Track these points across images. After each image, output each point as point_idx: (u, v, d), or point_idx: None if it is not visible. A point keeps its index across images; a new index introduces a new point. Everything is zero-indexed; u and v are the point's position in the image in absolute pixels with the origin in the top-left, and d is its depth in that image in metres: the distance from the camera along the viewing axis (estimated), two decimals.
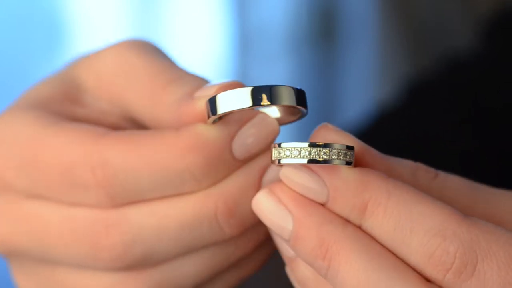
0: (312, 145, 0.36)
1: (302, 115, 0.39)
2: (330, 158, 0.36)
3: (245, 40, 1.77)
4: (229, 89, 0.38)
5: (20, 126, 0.40)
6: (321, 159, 0.36)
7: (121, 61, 0.42)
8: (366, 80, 1.73)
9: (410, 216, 0.35)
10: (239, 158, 0.39)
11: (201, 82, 0.40)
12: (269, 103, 0.37)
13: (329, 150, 0.36)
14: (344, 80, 1.76)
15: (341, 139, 0.37)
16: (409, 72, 1.51)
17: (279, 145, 0.36)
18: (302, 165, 0.36)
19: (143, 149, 0.38)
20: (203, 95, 0.39)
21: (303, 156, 0.36)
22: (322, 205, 0.36)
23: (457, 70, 0.72)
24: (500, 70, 0.69)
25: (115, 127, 0.41)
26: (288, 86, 0.37)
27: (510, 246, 0.35)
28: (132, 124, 0.42)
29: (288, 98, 0.37)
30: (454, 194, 0.39)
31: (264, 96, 0.37)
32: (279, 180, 0.37)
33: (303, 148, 0.36)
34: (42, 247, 0.40)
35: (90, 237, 0.39)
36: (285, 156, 0.36)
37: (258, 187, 0.39)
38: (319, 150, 0.36)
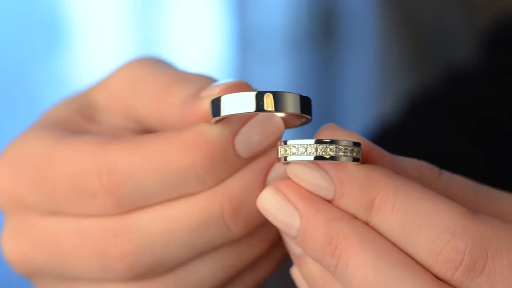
0: (319, 141, 0.36)
1: (306, 122, 0.39)
2: (337, 155, 0.35)
3: (245, 40, 1.77)
4: (234, 90, 0.38)
5: (32, 145, 0.41)
6: (327, 156, 0.35)
7: (130, 76, 0.42)
8: (366, 80, 1.73)
9: (418, 213, 0.35)
10: (242, 156, 0.39)
11: (208, 81, 0.40)
12: (273, 109, 0.36)
13: (335, 147, 0.35)
14: (344, 80, 1.76)
15: (347, 137, 0.37)
16: (408, 72, 1.51)
17: (285, 142, 0.36)
18: (309, 161, 0.36)
19: (147, 151, 0.38)
20: (208, 94, 0.39)
21: (310, 153, 0.36)
22: (330, 202, 0.36)
23: (459, 84, 0.71)
24: (502, 82, 0.69)
25: None
26: (293, 93, 0.37)
27: None
28: None
29: (292, 105, 0.37)
30: (458, 193, 0.39)
31: (268, 102, 0.36)
32: (284, 178, 0.37)
33: (310, 145, 0.36)
34: (58, 263, 0.41)
35: (100, 248, 0.39)
36: (291, 153, 0.36)
37: (263, 185, 0.39)
38: (326, 147, 0.35)
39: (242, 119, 0.39)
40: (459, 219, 0.35)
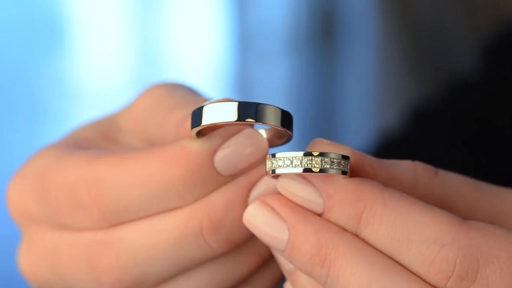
0: (307, 154, 0.35)
1: (287, 140, 0.39)
2: (324, 167, 0.35)
3: (245, 40, 1.77)
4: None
5: (39, 160, 0.42)
6: (315, 169, 0.35)
7: (149, 100, 0.42)
8: (366, 80, 1.73)
9: (407, 225, 0.35)
10: (222, 173, 0.39)
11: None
12: (253, 120, 0.36)
13: (321, 159, 0.35)
14: (344, 81, 1.76)
15: (336, 150, 0.37)
16: (408, 72, 1.51)
17: (274, 155, 0.36)
18: (298, 174, 0.36)
19: (131, 165, 0.39)
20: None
21: (295, 165, 0.35)
22: (319, 215, 0.36)
23: (461, 93, 0.71)
24: (503, 87, 0.69)
25: None
26: (275, 106, 0.36)
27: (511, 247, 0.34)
28: None
29: (273, 119, 0.36)
30: (456, 192, 0.38)
31: (249, 113, 0.36)
32: (270, 193, 0.37)
33: (298, 157, 0.35)
34: (58, 275, 0.41)
35: (90, 260, 0.40)
36: (277, 166, 0.36)
37: (244, 203, 0.39)
38: (311, 159, 0.35)
39: (223, 136, 0.39)
40: (448, 228, 0.34)
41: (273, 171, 0.36)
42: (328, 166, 0.35)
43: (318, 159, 0.35)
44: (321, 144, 0.37)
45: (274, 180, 0.38)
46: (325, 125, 1.77)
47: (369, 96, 1.73)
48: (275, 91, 1.76)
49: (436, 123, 0.71)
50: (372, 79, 1.73)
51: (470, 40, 1.40)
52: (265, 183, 0.39)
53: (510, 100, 0.68)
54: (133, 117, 0.43)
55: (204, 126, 0.37)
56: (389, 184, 0.37)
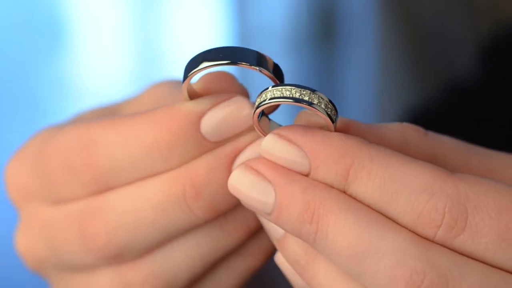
0: (298, 86, 0.35)
1: (275, 108, 0.38)
2: (312, 101, 0.35)
3: (245, 40, 1.77)
4: (216, 79, 0.38)
5: (37, 138, 0.43)
6: (304, 97, 0.35)
7: (155, 95, 0.43)
8: (366, 80, 1.73)
9: (395, 177, 0.35)
10: (208, 138, 0.39)
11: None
12: (228, 61, 0.36)
13: (311, 92, 0.35)
14: (344, 80, 1.76)
15: (322, 119, 0.37)
16: (408, 72, 1.51)
17: (265, 89, 0.36)
18: (281, 136, 0.36)
19: (121, 126, 0.39)
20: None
21: (285, 95, 0.35)
22: (306, 176, 0.36)
23: (461, 93, 0.71)
24: (504, 89, 0.69)
25: None
26: (253, 50, 0.36)
27: (499, 194, 0.34)
28: None
29: (266, 66, 0.36)
30: (447, 152, 0.38)
31: (245, 58, 0.36)
32: (254, 157, 0.37)
33: (285, 88, 0.35)
34: (53, 250, 0.42)
35: (79, 228, 0.40)
36: (267, 98, 0.36)
37: (229, 170, 0.39)
38: (301, 91, 0.35)
39: (213, 100, 0.39)
40: (436, 179, 0.34)
41: (262, 102, 0.36)
42: (316, 102, 0.35)
43: (308, 91, 0.35)
44: (307, 113, 0.37)
45: (259, 146, 0.37)
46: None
47: (369, 96, 1.73)
48: None
49: (436, 123, 0.71)
50: (372, 79, 1.73)
51: (470, 40, 1.40)
52: (252, 149, 0.39)
53: (510, 100, 0.68)
54: (138, 109, 0.43)
55: (200, 70, 0.37)
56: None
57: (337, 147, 0.35)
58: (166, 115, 0.38)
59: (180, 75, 0.37)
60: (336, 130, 0.36)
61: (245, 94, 0.40)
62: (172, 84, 0.43)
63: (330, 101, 0.36)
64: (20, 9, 1.66)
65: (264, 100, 0.36)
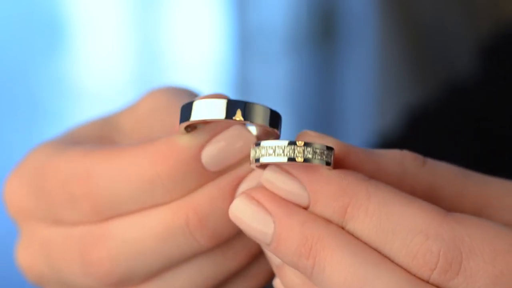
0: (290, 143, 0.35)
1: (276, 139, 0.38)
2: (307, 157, 0.35)
3: (245, 40, 1.77)
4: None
5: (35, 156, 0.42)
6: (298, 159, 0.35)
7: (152, 104, 0.43)
8: (366, 80, 1.73)
9: (392, 217, 0.35)
10: (209, 169, 0.39)
11: None
12: (242, 118, 0.36)
13: (304, 149, 0.35)
14: (344, 81, 1.76)
15: (322, 141, 0.37)
16: (408, 72, 1.51)
17: (257, 144, 0.36)
18: (282, 168, 0.36)
19: (120, 159, 0.39)
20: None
21: (278, 154, 0.35)
22: (305, 209, 0.36)
23: (461, 93, 0.71)
24: (504, 89, 0.69)
25: None
26: (264, 106, 0.37)
27: (495, 238, 0.34)
28: None
29: (261, 118, 0.36)
30: (444, 181, 0.38)
31: (238, 111, 0.36)
32: (255, 187, 0.37)
33: (278, 146, 0.35)
34: (53, 269, 0.42)
35: (82, 254, 0.40)
36: (261, 155, 0.36)
37: (231, 198, 0.39)
38: (294, 148, 0.35)
39: (211, 131, 0.39)
40: (432, 221, 0.34)
41: (257, 160, 0.36)
42: (310, 156, 0.35)
43: (301, 149, 0.35)
44: (307, 136, 0.37)
45: (262, 175, 0.38)
46: (325, 125, 1.77)
47: (369, 96, 1.73)
48: (275, 91, 1.76)
49: (436, 123, 0.71)
50: (372, 79, 1.73)
51: (470, 40, 1.40)
52: (253, 178, 0.39)
53: (510, 100, 0.68)
54: (136, 118, 0.43)
55: (192, 122, 0.37)
56: (376, 174, 0.37)
57: (335, 184, 0.35)
58: (167, 149, 0.38)
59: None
60: (335, 157, 0.36)
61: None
62: (169, 91, 0.43)
63: (321, 148, 0.36)
64: (20, 9, 1.66)
65: (259, 158, 0.36)
